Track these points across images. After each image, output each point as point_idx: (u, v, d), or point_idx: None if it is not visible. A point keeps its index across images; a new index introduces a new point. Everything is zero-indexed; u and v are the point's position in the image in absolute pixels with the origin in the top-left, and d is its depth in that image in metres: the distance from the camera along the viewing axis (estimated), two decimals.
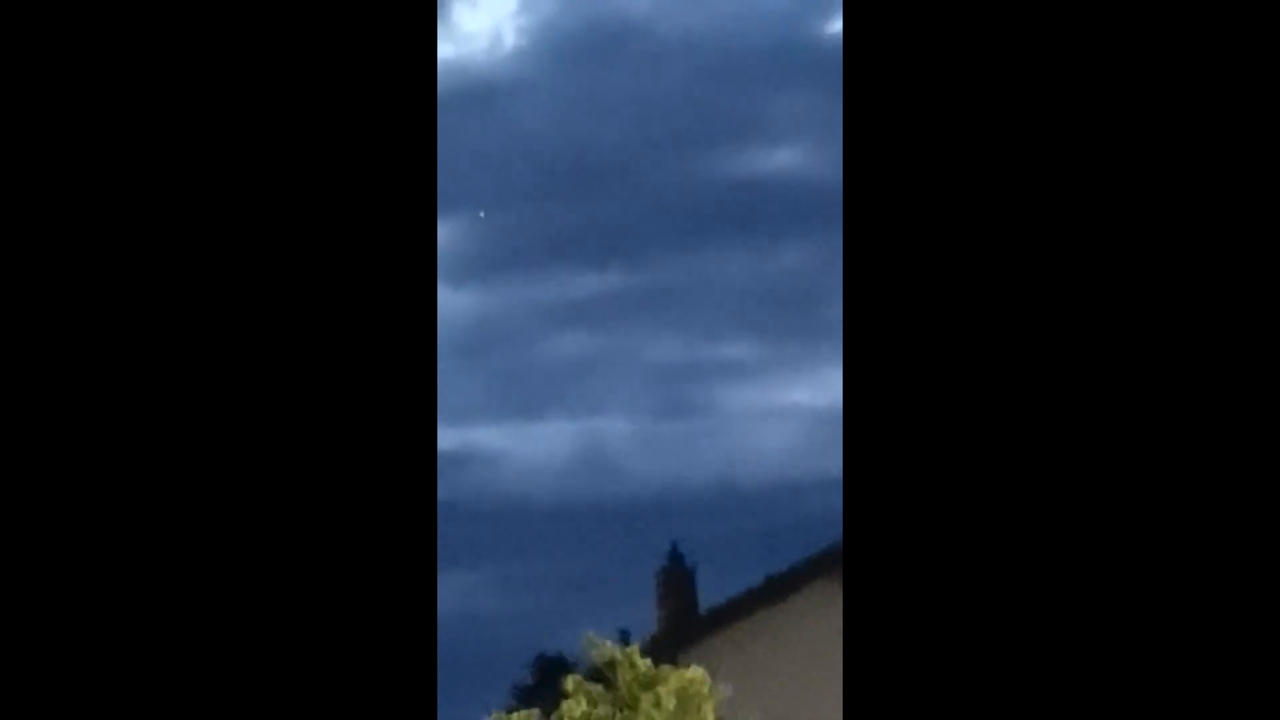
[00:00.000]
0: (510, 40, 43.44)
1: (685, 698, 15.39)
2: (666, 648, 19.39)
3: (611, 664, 15.58)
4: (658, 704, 15.24)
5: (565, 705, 14.99)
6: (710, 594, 21.05)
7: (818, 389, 44.39)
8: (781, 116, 41.89)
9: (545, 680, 23.71)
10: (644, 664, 15.72)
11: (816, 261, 42.55)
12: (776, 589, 19.93)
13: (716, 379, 43.03)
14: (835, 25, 43.50)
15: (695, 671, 16.02)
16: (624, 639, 16.64)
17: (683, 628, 20.32)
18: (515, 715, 15.14)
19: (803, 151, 42.87)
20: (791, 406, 42.25)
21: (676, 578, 21.18)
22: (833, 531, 20.52)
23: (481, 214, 37.81)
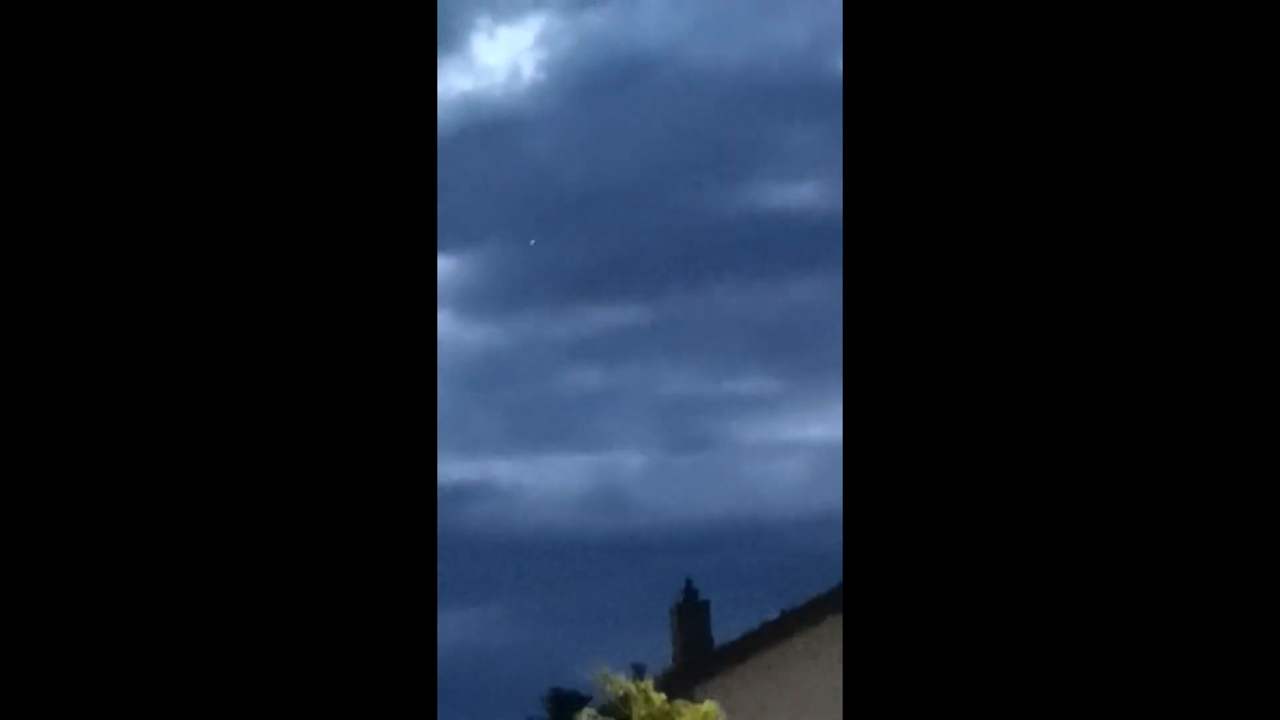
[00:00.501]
0: (528, 74, 43.61)
1: None
2: (681, 682, 19.36)
3: (625, 698, 15.58)
4: None
5: None
6: (724, 628, 21.03)
7: (832, 423, 44.36)
8: (796, 150, 41.97)
9: (559, 715, 23.70)
10: (658, 698, 15.72)
11: (830, 295, 42.58)
12: (791, 624, 19.90)
13: (730, 413, 43.06)
14: None
15: (709, 706, 16.02)
16: (638, 673, 16.63)
17: (697, 662, 20.28)
18: None
19: (817, 185, 42.93)
20: (805, 441, 42.23)
21: (690, 612, 21.16)
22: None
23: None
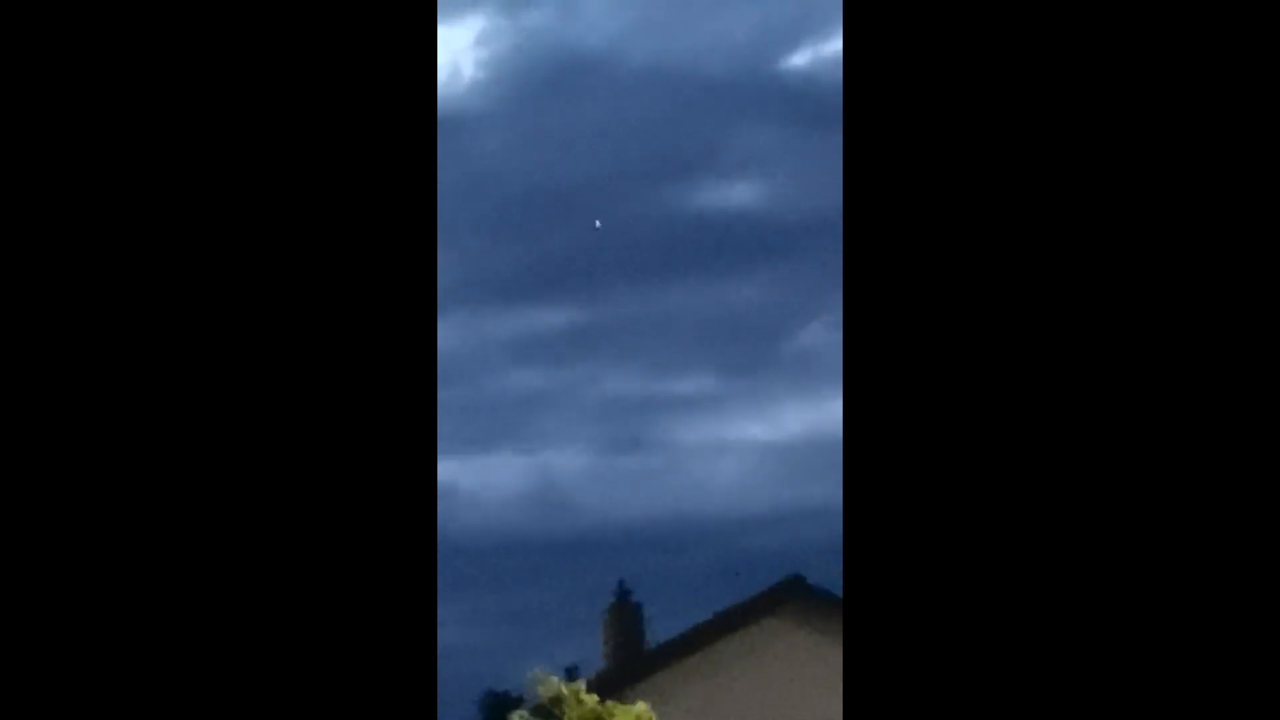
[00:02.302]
0: (469, 73, 43.44)
1: None
2: (613, 684, 19.36)
3: (558, 700, 15.56)
4: None
5: None
6: (659, 629, 21.05)
7: (771, 423, 44.44)
8: (741, 150, 41.99)
9: (492, 716, 23.63)
10: (590, 700, 15.71)
11: (772, 295, 42.65)
12: (725, 624, 19.93)
13: (670, 413, 43.05)
14: (796, 59, 43.69)
15: (640, 708, 16.01)
16: (571, 675, 16.59)
17: (630, 664, 20.29)
18: None
19: (762, 185, 42.99)
20: (745, 441, 42.27)
21: (623, 613, 21.17)
22: (783, 566, 20.56)
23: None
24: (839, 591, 20.26)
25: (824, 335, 43.05)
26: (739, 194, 42.50)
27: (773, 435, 42.98)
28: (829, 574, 22.75)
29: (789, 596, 19.99)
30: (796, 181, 42.49)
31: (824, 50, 43.09)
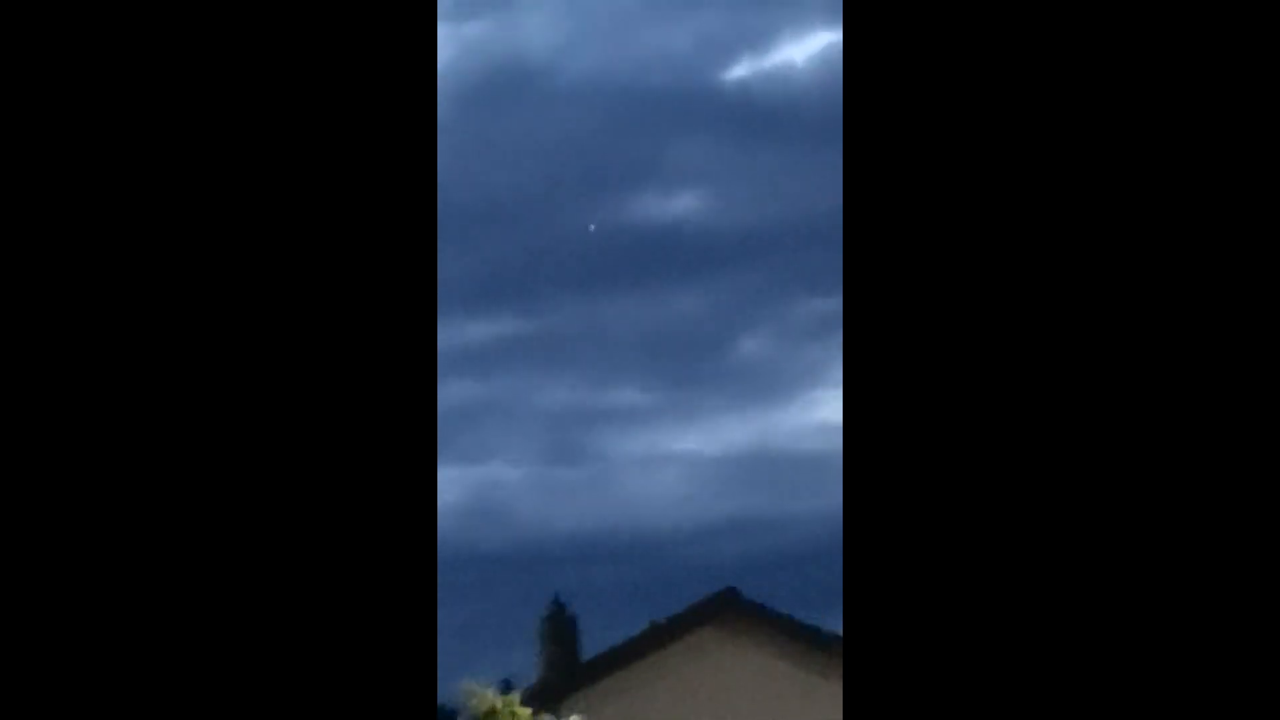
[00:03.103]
0: None
1: None
2: (548, 696, 19.37)
3: (491, 713, 15.54)
4: None
5: None
6: (594, 642, 21.05)
7: (707, 436, 44.50)
8: (680, 161, 42.00)
9: None
10: (524, 713, 15.69)
11: (709, 308, 42.70)
12: (659, 636, 19.96)
13: (606, 426, 43.02)
14: (735, 71, 43.73)
15: None
16: (505, 687, 16.59)
17: (564, 676, 20.30)
18: None
19: (699, 198, 43.02)
20: (680, 453, 42.29)
21: (558, 626, 21.16)
22: (716, 579, 20.60)
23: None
24: (772, 604, 20.34)
25: (762, 347, 43.13)
26: (678, 205, 42.56)
27: (710, 448, 43.03)
28: (762, 587, 22.82)
29: (723, 609, 20.03)
30: (735, 193, 42.57)
31: (763, 62, 43.25)
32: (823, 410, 43.99)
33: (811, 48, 46.84)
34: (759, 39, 44.22)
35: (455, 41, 43.57)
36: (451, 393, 41.96)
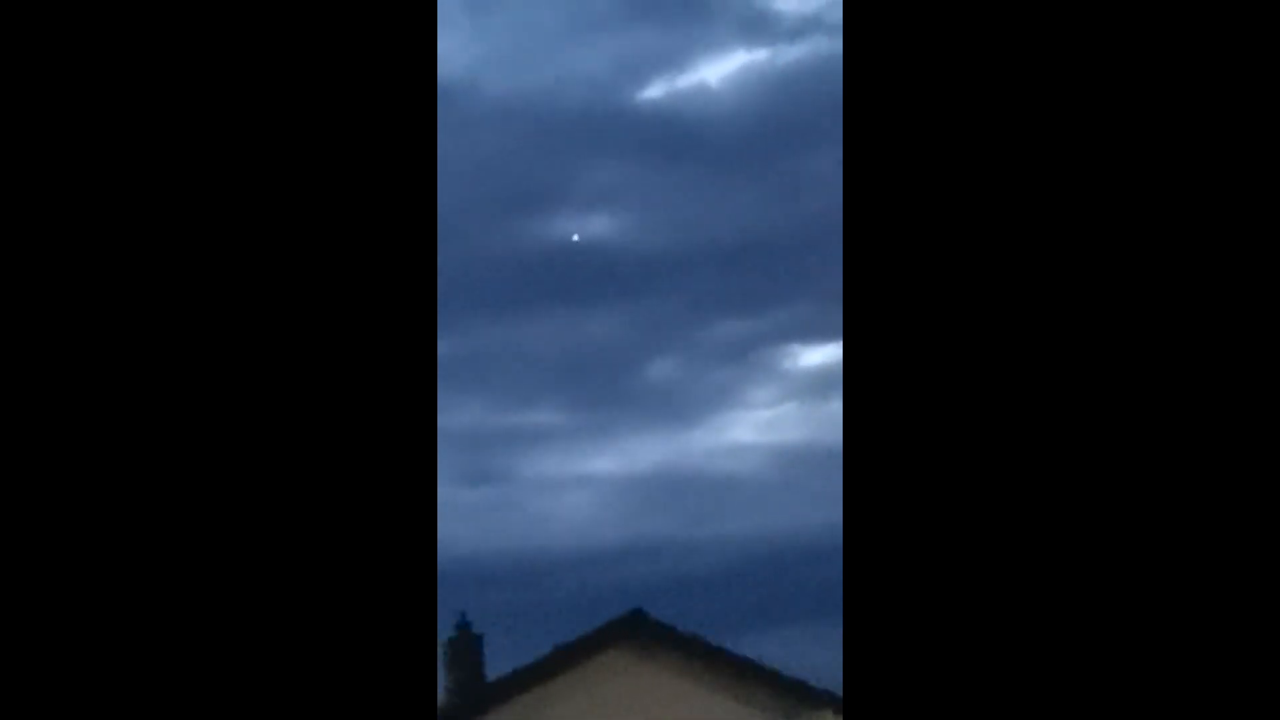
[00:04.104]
0: None
1: None
2: (453, 717, 19.22)
3: None
4: None
5: None
6: (500, 663, 20.91)
7: (618, 458, 44.48)
8: (595, 183, 42.05)
9: None
10: None
11: (622, 330, 42.70)
12: (565, 658, 19.84)
13: (518, 447, 42.99)
14: (649, 92, 43.76)
15: None
16: None
17: (469, 697, 20.14)
18: None
19: (615, 218, 43.03)
20: (591, 475, 42.28)
21: (463, 647, 21.01)
22: (624, 600, 20.50)
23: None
24: (679, 625, 20.27)
25: (675, 369, 43.11)
26: (593, 226, 42.55)
27: (621, 469, 43.03)
28: (670, 608, 22.74)
29: (630, 631, 19.94)
30: (650, 214, 42.63)
31: (679, 83, 43.30)
32: (733, 432, 44.10)
33: (726, 69, 47.06)
34: (675, 60, 44.34)
35: None
36: None
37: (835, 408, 43.98)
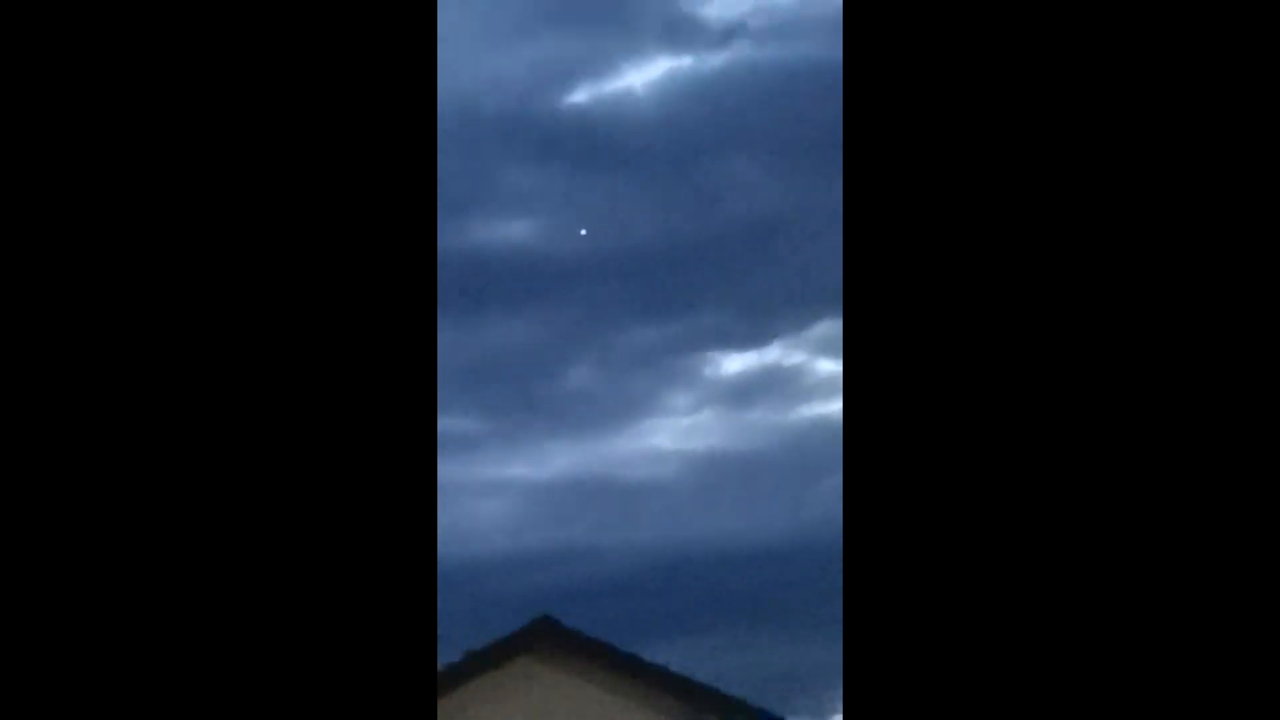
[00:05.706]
0: None
1: None
2: None
3: None
4: None
5: None
6: None
7: (534, 464, 44.40)
8: (515, 187, 41.95)
9: None
10: None
11: (539, 335, 42.65)
12: (475, 665, 19.79)
13: None
14: (572, 97, 43.72)
15: None
16: None
17: None
18: None
19: (532, 224, 42.98)
20: (506, 481, 42.20)
21: None
22: (537, 607, 20.49)
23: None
24: (589, 631, 20.27)
25: (591, 375, 43.11)
26: (512, 232, 42.49)
27: (536, 476, 42.97)
28: (580, 614, 22.73)
29: (540, 637, 19.91)
30: (569, 220, 42.59)
31: (603, 88, 43.30)
32: (651, 439, 44.14)
33: (651, 74, 47.08)
34: (599, 65, 44.37)
35: None
36: None
37: (754, 415, 44.11)
